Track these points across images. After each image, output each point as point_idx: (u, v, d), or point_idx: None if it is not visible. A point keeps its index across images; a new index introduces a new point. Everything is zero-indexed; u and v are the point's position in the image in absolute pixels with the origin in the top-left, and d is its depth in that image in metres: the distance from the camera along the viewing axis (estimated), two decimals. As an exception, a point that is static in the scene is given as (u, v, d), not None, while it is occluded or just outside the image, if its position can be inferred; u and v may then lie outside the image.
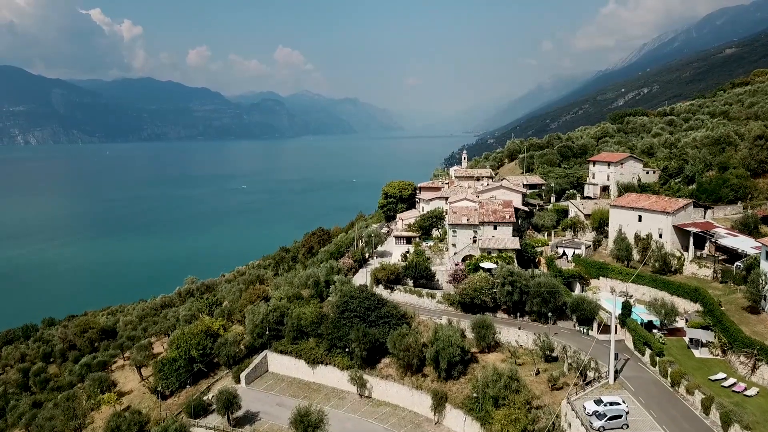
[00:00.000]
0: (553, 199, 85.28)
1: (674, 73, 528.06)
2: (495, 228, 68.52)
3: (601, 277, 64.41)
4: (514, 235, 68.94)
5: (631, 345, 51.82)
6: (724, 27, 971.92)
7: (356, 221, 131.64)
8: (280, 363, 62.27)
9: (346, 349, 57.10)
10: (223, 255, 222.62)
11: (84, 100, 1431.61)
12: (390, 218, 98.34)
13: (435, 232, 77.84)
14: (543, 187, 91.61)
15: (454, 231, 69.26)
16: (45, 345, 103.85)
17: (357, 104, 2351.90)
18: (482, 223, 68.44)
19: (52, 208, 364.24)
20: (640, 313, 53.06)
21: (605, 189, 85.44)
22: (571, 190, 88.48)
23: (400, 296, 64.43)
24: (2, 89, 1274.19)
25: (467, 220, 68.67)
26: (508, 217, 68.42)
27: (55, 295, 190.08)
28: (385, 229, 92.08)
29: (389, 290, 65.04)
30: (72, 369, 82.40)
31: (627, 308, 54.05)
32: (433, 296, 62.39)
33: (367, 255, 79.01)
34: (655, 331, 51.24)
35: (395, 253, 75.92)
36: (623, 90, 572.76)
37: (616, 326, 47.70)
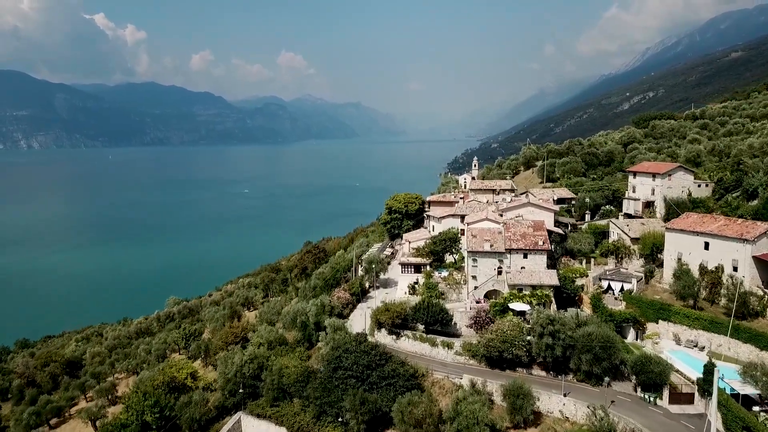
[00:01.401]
0: (587, 217, 72.10)
1: (680, 76, 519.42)
2: (525, 257, 55.54)
3: (660, 321, 51.23)
4: (548, 266, 55.89)
5: (720, 426, 38.55)
6: (727, 31, 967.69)
7: (355, 235, 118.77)
8: (256, 430, 49.38)
9: (339, 418, 44.22)
10: (221, 263, 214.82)
11: (87, 104, 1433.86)
12: (395, 236, 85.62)
13: (449, 257, 64.98)
14: (573, 202, 78.64)
15: (474, 260, 56.33)
16: (3, 378, 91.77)
17: (359, 108, 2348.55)
18: (509, 251, 55.49)
19: (50, 214, 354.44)
20: (731, 381, 39.80)
21: (649, 205, 72.31)
22: (607, 206, 75.34)
23: (408, 344, 51.47)
24: (6, 94, 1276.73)
25: (491, 246, 55.73)
26: (541, 243, 55.42)
27: (40, 308, 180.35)
28: (388, 250, 79.33)
29: (394, 336, 52.12)
30: (20, 417, 69.81)
31: (709, 370, 40.86)
32: (450, 346, 49.37)
33: (367, 284, 66.14)
34: (755, 408, 38.01)
35: (401, 283, 63.04)
36: (628, 94, 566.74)
37: (706, 402, 34.49)
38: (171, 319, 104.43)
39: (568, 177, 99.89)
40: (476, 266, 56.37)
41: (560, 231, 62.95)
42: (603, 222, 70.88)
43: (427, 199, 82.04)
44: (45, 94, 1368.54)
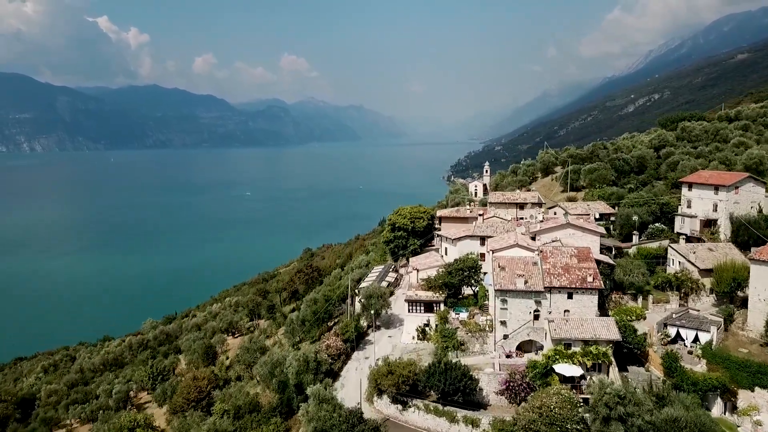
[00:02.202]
0: (635, 238, 59.02)
1: (685, 78, 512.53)
2: (570, 297, 42.68)
3: (758, 388, 38.24)
4: (598, 306, 42.97)
5: None
6: (731, 33, 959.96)
7: (354, 250, 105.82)
8: None
9: None
10: (219, 269, 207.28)
11: (90, 107, 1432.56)
12: (398, 256, 72.87)
13: (466, 289, 52.24)
14: (613, 219, 65.72)
15: (504, 300, 43.53)
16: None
17: (362, 111, 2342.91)
18: (549, 290, 42.66)
19: (44, 219, 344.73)
20: None
21: (709, 224, 59.37)
22: (656, 225, 62.31)
23: (418, 418, 38.65)
24: (8, 96, 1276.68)
25: (525, 283, 42.92)
26: (590, 278, 42.54)
27: (22, 321, 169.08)
28: (391, 275, 66.56)
29: (400, 406, 39.31)
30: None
31: None
32: (475, 424, 36.51)
33: (365, 323, 53.37)
34: None
35: (408, 324, 50.31)
36: (632, 96, 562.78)
37: None
38: (145, 347, 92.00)
39: (598, 186, 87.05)
40: (506, 309, 43.53)
41: (608, 259, 49.95)
42: (653, 245, 57.92)
43: (438, 213, 69.26)
44: (47, 97, 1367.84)
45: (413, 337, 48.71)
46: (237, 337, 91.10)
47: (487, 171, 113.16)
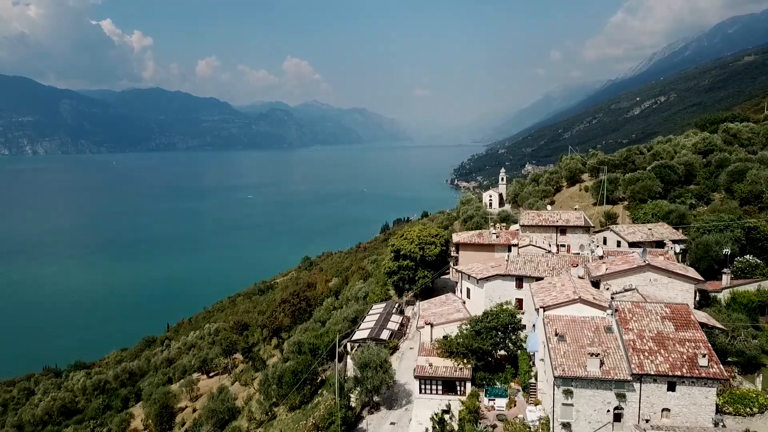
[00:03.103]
0: (725, 278, 43.57)
1: (691, 81, 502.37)
2: (672, 388, 27.61)
3: None
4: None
5: None
6: (735, 35, 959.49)
7: (351, 274, 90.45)
8: None
9: None
10: (218, 276, 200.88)
11: (92, 110, 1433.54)
12: (403, 290, 58.01)
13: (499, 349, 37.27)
14: (683, 248, 50.47)
15: (568, 391, 28.50)
16: None
17: (365, 114, 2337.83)
18: (640, 378, 27.61)
19: (38, 223, 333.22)
20: None
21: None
22: (748, 257, 46.90)
23: None
24: (11, 100, 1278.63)
25: (600, 365, 27.89)
26: (704, 358, 27.41)
27: (9, 336, 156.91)
28: (396, 319, 51.59)
29: None
30: None
31: None
32: None
33: (358, 403, 38.25)
34: None
35: (418, 407, 35.32)
36: (638, 99, 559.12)
37: None
38: (102, 391, 77.44)
39: (641, 200, 72.01)
40: (570, 405, 28.46)
41: (713, 320, 34.64)
42: (751, 287, 42.71)
43: (454, 239, 54.27)
44: (51, 100, 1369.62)
45: (426, 430, 33.72)
46: (212, 376, 76.86)
47: (503, 179, 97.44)
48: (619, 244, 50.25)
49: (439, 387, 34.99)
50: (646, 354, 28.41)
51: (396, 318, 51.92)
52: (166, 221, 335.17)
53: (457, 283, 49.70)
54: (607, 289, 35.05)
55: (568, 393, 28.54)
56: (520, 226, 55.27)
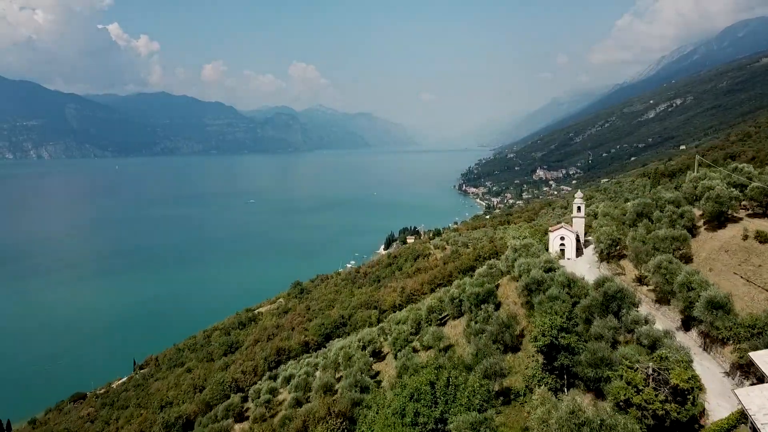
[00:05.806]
0: None
1: (708, 83, 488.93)
2: None
3: None
4: None
5: None
6: (745, 39, 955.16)
7: (336, 328, 73.89)
8: None
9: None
10: (200, 301, 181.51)
11: (98, 114, 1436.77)
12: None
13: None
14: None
15: None
16: None
17: (371, 119, 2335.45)
18: None
19: (31, 233, 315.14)
20: None
21: None
22: None
23: None
24: (17, 104, 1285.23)
25: None
26: None
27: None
28: None
29: None
30: None
31: None
32: None
33: None
34: None
35: None
36: (652, 102, 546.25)
37: None
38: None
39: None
40: None
41: None
42: None
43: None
44: (56, 105, 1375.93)
45: None
46: None
47: (580, 208, 54.88)
48: None
49: None
50: None
51: None
52: (153, 232, 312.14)
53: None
54: None
55: None
56: None
